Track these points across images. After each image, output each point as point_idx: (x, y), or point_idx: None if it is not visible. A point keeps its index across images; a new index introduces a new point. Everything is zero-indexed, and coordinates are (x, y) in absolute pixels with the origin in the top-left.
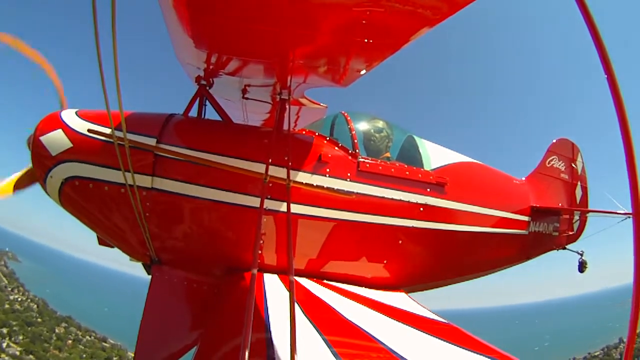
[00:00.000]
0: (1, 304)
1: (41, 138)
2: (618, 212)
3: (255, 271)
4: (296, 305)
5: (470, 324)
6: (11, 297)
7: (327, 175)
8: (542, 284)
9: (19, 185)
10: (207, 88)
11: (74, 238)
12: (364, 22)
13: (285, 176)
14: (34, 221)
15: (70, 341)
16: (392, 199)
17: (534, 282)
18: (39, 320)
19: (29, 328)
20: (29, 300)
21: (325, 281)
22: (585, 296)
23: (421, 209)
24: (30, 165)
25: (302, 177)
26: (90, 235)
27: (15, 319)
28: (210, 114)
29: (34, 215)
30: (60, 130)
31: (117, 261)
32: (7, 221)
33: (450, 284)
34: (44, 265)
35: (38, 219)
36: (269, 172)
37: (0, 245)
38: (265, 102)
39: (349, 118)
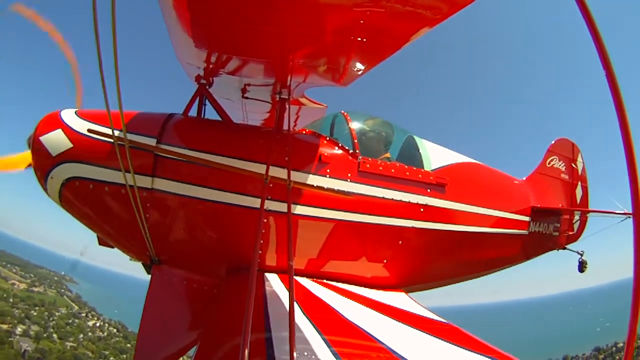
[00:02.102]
0: (84, 333)
1: (41, 138)
2: (618, 212)
3: (255, 271)
4: (296, 305)
5: (533, 314)
6: (90, 324)
7: (328, 176)
8: (575, 274)
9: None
10: (207, 87)
11: (109, 254)
12: (363, 22)
13: (285, 176)
14: (61, 237)
15: None
16: (392, 199)
17: (565, 273)
18: (129, 345)
19: (124, 356)
20: (106, 324)
21: (325, 281)
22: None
23: (421, 209)
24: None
25: (303, 177)
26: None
27: (106, 347)
28: (210, 113)
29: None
30: (60, 130)
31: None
32: (47, 241)
33: (450, 284)
34: (96, 284)
35: (60, 233)
36: (270, 173)
37: (52, 268)
38: (265, 101)
39: (348, 118)
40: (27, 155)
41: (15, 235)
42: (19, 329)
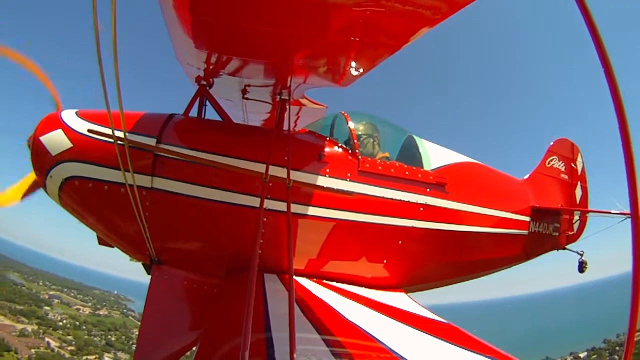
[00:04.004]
0: None
1: (41, 138)
2: (617, 212)
3: (255, 271)
4: (296, 305)
5: (592, 298)
6: None
7: (328, 175)
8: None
9: (26, 191)
10: (207, 88)
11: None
12: (363, 22)
13: (285, 176)
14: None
15: None
16: (392, 198)
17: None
18: None
19: None
20: None
21: (325, 281)
22: None
23: (421, 208)
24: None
25: (302, 177)
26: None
27: None
28: (211, 114)
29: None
30: (60, 130)
31: None
32: (84, 259)
33: (450, 284)
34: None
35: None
36: (269, 172)
37: (104, 288)
38: (265, 102)
39: (348, 118)
40: (19, 186)
41: (60, 257)
42: (107, 359)
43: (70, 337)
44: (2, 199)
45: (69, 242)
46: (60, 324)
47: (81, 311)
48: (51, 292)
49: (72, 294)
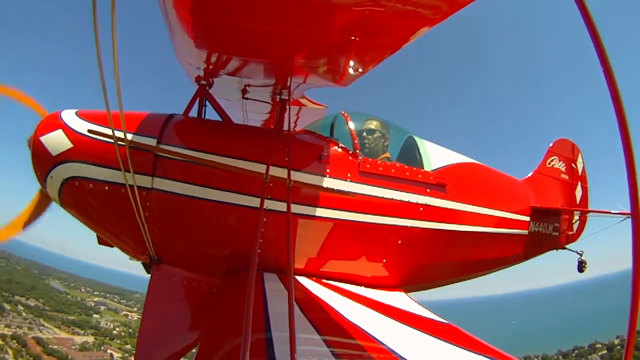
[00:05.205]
0: None
1: (41, 138)
2: (617, 212)
3: (254, 270)
4: (296, 305)
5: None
6: None
7: (328, 176)
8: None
9: (29, 220)
10: (207, 88)
11: None
12: (363, 22)
13: (285, 176)
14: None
15: None
16: (392, 199)
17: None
18: None
19: None
20: None
21: (325, 281)
22: None
23: (421, 209)
24: (34, 197)
25: (303, 177)
26: None
27: None
28: (211, 114)
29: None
30: (60, 131)
31: None
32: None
33: (450, 284)
34: None
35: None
36: (270, 173)
37: (143, 290)
38: (265, 102)
39: (348, 118)
40: (20, 218)
41: (94, 262)
42: None
43: (129, 347)
44: (5, 232)
45: (91, 244)
46: (115, 332)
47: (130, 317)
48: (96, 299)
49: (116, 300)
